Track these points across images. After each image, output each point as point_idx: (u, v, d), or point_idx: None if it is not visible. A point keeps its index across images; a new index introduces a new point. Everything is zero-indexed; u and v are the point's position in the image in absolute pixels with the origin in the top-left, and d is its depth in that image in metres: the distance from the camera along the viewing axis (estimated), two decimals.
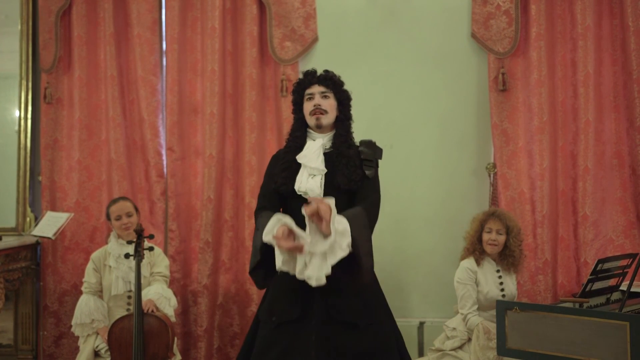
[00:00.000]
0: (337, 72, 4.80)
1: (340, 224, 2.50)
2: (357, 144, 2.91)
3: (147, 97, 4.62)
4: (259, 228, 2.66)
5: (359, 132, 4.68)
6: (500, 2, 4.35)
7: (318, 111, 2.82)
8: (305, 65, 4.59)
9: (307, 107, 2.86)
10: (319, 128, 2.85)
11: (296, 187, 2.74)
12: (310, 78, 2.88)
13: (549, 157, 4.28)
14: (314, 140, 2.85)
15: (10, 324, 4.72)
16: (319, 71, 2.93)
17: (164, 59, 4.71)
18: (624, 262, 3.35)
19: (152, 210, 4.62)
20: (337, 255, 2.48)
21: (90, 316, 3.89)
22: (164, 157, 4.66)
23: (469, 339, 3.61)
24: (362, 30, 4.61)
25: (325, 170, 2.77)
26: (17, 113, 4.86)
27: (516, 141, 4.34)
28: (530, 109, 4.33)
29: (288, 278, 2.65)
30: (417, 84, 4.56)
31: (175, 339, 3.90)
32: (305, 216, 2.49)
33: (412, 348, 4.26)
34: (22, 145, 4.82)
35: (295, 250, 2.49)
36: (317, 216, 2.47)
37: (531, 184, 4.31)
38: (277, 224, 2.54)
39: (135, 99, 4.67)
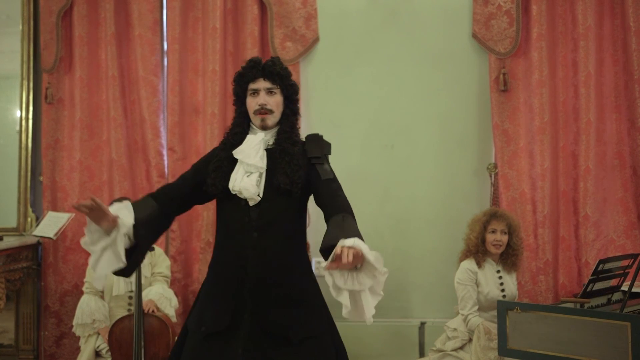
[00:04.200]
0: (337, 72, 4.79)
1: (372, 254, 2.09)
2: (304, 139, 2.60)
3: (148, 97, 4.62)
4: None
5: (360, 133, 4.69)
6: (501, 3, 4.35)
7: (264, 111, 2.51)
8: (306, 65, 4.60)
9: (251, 104, 2.54)
10: (264, 129, 2.54)
11: (230, 185, 2.45)
12: (255, 72, 2.53)
13: (550, 158, 4.28)
14: (255, 134, 2.54)
15: (11, 324, 4.72)
16: (271, 61, 2.57)
17: (165, 59, 4.71)
18: (625, 263, 3.35)
19: None
20: (380, 282, 2.12)
21: (91, 316, 3.89)
22: (165, 158, 4.65)
23: (470, 340, 3.61)
24: (363, 31, 4.60)
25: (264, 168, 2.46)
26: (18, 113, 4.86)
27: (517, 141, 4.34)
28: (531, 109, 4.33)
29: (220, 284, 2.47)
30: (418, 84, 4.55)
31: (176, 339, 3.90)
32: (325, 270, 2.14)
33: (413, 348, 4.27)
34: (23, 146, 4.81)
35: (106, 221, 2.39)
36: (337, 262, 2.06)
37: (532, 184, 4.31)
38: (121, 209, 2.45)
39: (136, 99, 4.67)
